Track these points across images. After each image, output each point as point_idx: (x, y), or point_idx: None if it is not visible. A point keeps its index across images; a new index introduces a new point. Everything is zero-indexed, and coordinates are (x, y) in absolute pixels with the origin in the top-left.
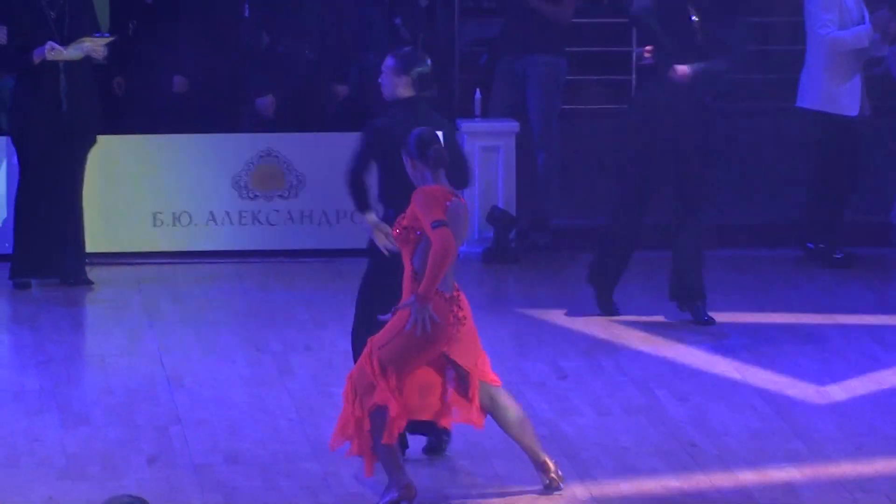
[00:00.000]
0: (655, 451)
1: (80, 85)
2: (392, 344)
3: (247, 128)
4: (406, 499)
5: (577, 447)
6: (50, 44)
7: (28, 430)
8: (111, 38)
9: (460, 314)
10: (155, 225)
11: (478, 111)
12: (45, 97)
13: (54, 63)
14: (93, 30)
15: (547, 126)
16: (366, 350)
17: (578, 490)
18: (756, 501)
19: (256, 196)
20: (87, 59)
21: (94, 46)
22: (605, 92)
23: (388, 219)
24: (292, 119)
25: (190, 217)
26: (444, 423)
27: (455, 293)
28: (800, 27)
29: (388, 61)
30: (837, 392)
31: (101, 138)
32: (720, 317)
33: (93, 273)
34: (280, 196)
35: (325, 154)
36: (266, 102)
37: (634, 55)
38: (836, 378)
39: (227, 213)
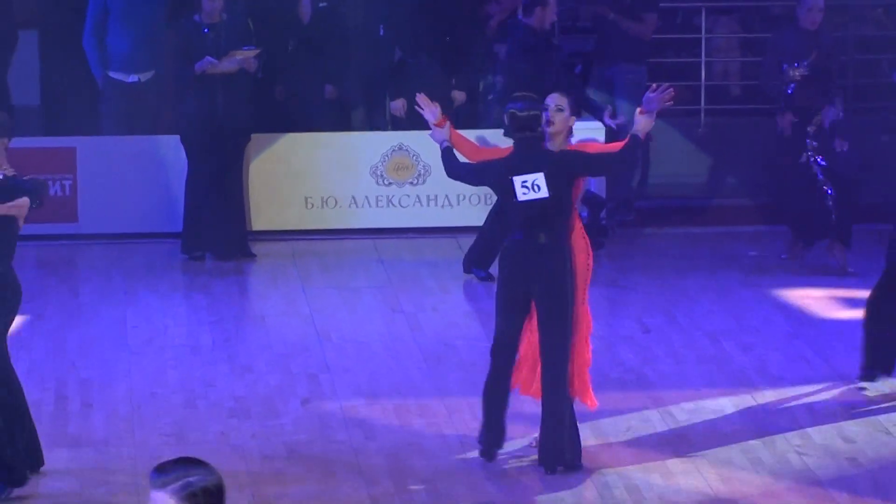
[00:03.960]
0: (723, 393)
1: (235, 92)
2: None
3: (382, 126)
4: None
5: (659, 390)
6: (207, 59)
7: (203, 378)
8: (258, 51)
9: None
10: (307, 207)
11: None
12: (206, 103)
13: (213, 74)
14: (244, 44)
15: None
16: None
17: (660, 425)
18: (809, 435)
19: (390, 183)
20: (243, 70)
21: (245, 59)
22: (678, 95)
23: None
24: (420, 119)
25: (336, 201)
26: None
27: None
28: None
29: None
30: None
31: (264, 135)
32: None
33: (255, 247)
34: (410, 183)
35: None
36: (398, 105)
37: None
38: None
39: (367, 198)
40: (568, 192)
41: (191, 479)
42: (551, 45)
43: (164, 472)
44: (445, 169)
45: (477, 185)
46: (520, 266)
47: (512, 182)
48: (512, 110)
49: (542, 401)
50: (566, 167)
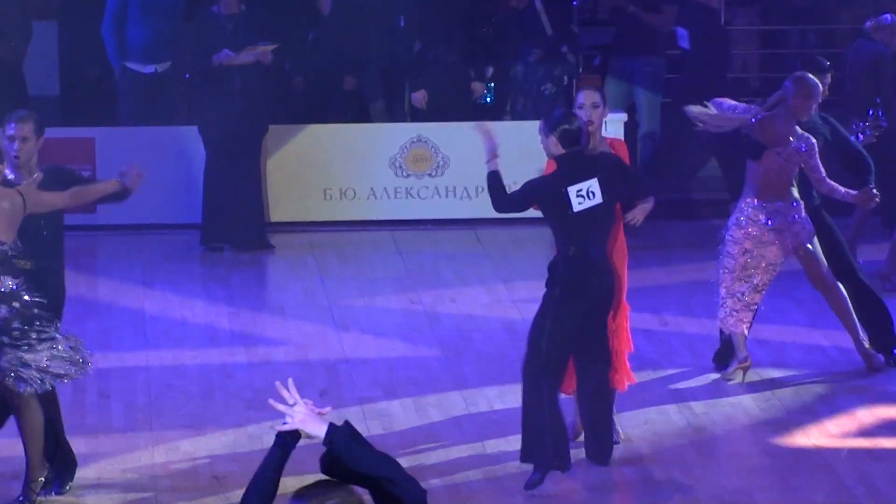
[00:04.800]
0: (740, 386)
1: (252, 84)
2: None
3: (402, 118)
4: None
5: (676, 383)
6: (225, 51)
7: (222, 369)
8: (275, 46)
9: None
10: (325, 199)
11: None
12: (223, 94)
13: (230, 66)
14: (262, 36)
15: (651, 116)
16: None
17: (677, 419)
18: (827, 428)
19: (409, 175)
20: (259, 63)
21: (261, 52)
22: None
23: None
24: (439, 110)
25: (354, 192)
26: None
27: None
28: None
29: (539, 124)
30: None
31: (282, 127)
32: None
33: (274, 239)
34: (429, 174)
35: (467, 139)
36: (419, 96)
37: None
38: None
39: (385, 189)
40: (618, 197)
41: (330, 502)
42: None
43: (303, 497)
44: (494, 201)
45: (526, 208)
46: (579, 284)
47: (567, 194)
48: (564, 127)
49: (584, 403)
50: (617, 172)
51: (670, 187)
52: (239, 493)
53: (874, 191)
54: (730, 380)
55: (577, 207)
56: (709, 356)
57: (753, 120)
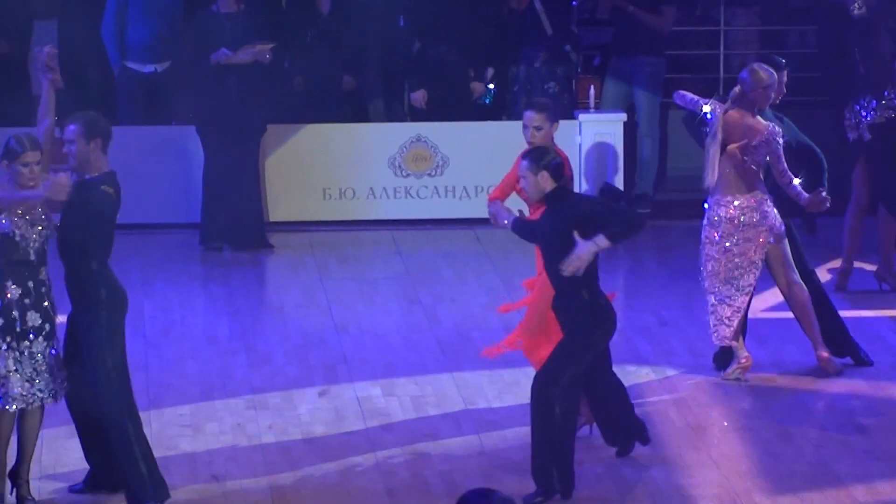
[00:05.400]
0: (739, 386)
1: (250, 83)
2: None
3: (401, 117)
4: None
5: (675, 382)
6: (223, 51)
7: (221, 369)
8: (273, 45)
9: None
10: (325, 198)
11: (592, 104)
12: (221, 94)
13: (228, 65)
14: (261, 35)
15: (650, 116)
16: None
17: (677, 418)
18: (826, 427)
19: (409, 174)
20: (257, 62)
21: (259, 51)
22: (697, 88)
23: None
24: (439, 110)
25: (353, 192)
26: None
27: None
28: None
29: (522, 162)
30: None
31: (281, 126)
32: None
33: (273, 238)
34: (428, 174)
35: (467, 139)
36: (418, 96)
37: None
38: None
39: (384, 189)
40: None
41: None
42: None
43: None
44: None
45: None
46: (607, 325)
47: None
48: (555, 160)
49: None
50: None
51: (670, 187)
52: (238, 493)
53: (824, 195)
54: (729, 380)
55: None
56: (708, 356)
57: (713, 116)
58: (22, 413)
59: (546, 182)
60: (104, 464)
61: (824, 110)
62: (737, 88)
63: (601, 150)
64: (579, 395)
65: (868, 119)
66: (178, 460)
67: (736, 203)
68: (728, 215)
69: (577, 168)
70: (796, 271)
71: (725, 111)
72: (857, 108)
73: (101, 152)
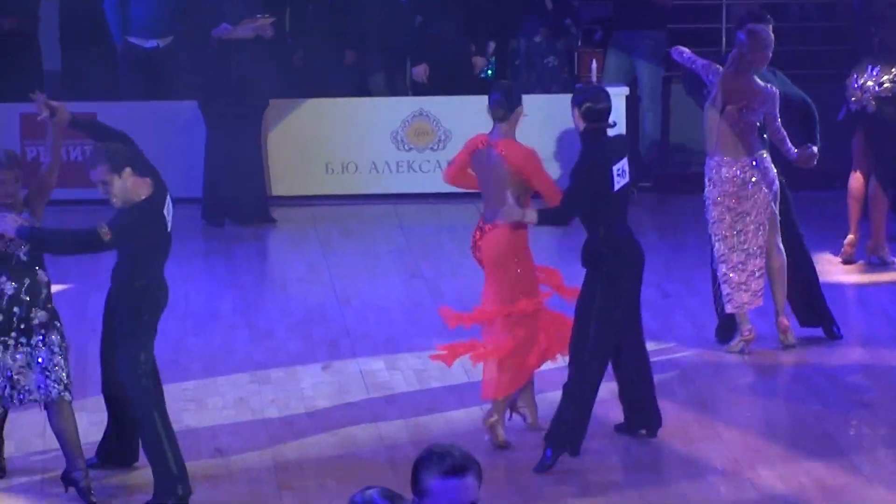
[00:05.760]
0: (742, 358)
1: (251, 58)
2: None
3: (403, 91)
4: None
5: (678, 355)
6: (224, 25)
7: (223, 344)
8: (273, 19)
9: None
10: (327, 172)
11: (594, 78)
12: (222, 69)
13: (229, 40)
14: (261, 10)
15: (652, 90)
16: None
17: (679, 391)
18: (828, 399)
19: (411, 148)
20: (259, 37)
21: (260, 26)
22: None
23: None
24: (440, 84)
25: (356, 166)
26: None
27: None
28: None
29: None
30: None
31: (283, 101)
32: None
33: (276, 213)
34: (430, 148)
35: (468, 113)
36: (420, 70)
37: None
38: None
39: (387, 163)
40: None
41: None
42: None
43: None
44: (560, 223)
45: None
46: (624, 263)
47: (612, 173)
48: (588, 104)
49: (625, 381)
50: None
51: (672, 161)
52: (241, 466)
53: (814, 149)
54: (733, 352)
55: (617, 186)
56: (711, 328)
57: (712, 78)
58: (50, 413)
59: (578, 120)
60: (122, 437)
61: (824, 84)
62: (735, 50)
63: None
64: (609, 352)
65: (876, 90)
66: (181, 435)
67: (737, 162)
68: (729, 175)
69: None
70: (780, 235)
71: (724, 75)
72: (866, 77)
73: (136, 177)
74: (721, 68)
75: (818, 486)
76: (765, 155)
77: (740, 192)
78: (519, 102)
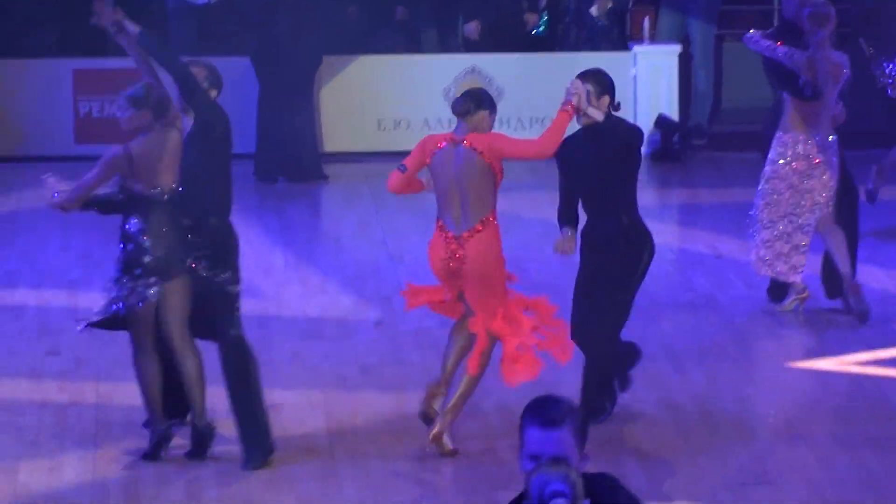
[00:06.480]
0: (797, 315)
1: (302, 15)
2: None
3: (455, 48)
4: None
5: (731, 314)
6: None
7: (276, 299)
8: None
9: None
10: (380, 129)
11: (647, 36)
12: (274, 24)
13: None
14: None
15: (705, 48)
16: None
17: (731, 349)
18: (878, 353)
19: None
20: None
21: None
22: (751, 20)
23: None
24: (494, 41)
25: (408, 123)
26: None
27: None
28: None
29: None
30: None
31: (336, 58)
32: None
33: (328, 169)
34: None
35: (520, 70)
36: (472, 27)
37: None
38: None
39: (439, 119)
40: None
41: None
42: None
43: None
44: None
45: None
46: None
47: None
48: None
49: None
50: None
51: (725, 119)
52: (294, 421)
53: (841, 108)
54: (786, 311)
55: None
56: (763, 288)
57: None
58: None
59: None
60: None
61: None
62: (822, 33)
63: (656, 82)
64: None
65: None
66: None
67: (809, 141)
68: (803, 152)
69: (631, 100)
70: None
71: (808, 58)
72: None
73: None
74: (800, 52)
75: (873, 444)
76: (835, 137)
77: (807, 171)
78: (489, 108)
